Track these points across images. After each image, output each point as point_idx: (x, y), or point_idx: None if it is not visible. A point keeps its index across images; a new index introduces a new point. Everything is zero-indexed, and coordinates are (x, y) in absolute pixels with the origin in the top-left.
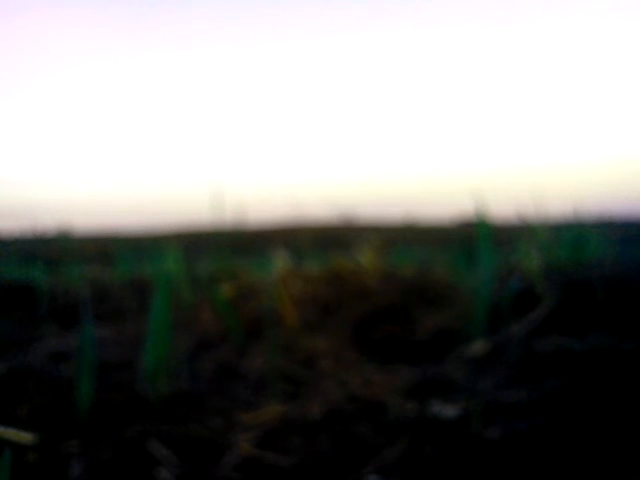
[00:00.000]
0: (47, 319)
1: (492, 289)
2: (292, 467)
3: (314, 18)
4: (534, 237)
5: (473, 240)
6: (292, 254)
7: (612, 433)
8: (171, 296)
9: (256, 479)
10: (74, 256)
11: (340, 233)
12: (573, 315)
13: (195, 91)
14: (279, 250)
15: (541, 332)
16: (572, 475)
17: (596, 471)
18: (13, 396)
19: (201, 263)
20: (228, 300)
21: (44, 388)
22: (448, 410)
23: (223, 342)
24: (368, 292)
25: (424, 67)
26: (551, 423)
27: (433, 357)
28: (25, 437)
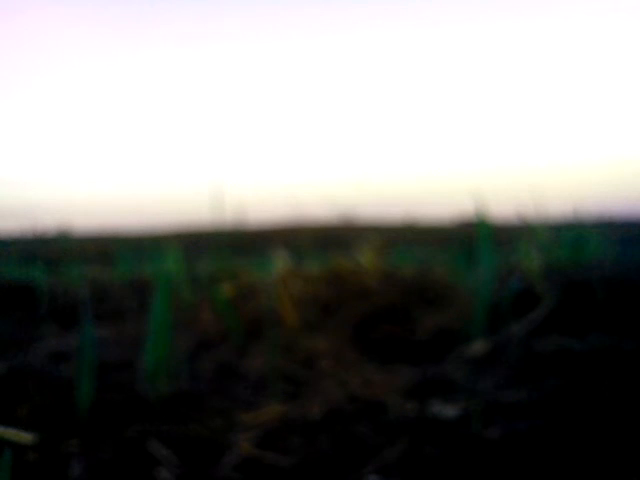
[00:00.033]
0: (47, 319)
1: (492, 289)
2: (292, 467)
3: (314, 18)
4: (534, 237)
5: (473, 240)
6: (292, 254)
7: (612, 433)
8: (171, 296)
9: (256, 479)
10: (74, 256)
11: (340, 233)
12: (573, 315)
13: (195, 91)
14: (279, 250)
15: (541, 332)
16: (572, 475)
17: (596, 471)
18: (13, 396)
19: (201, 263)
20: (228, 300)
21: (44, 388)
22: (448, 410)
23: (223, 342)
24: (368, 292)
25: (424, 67)
26: (551, 423)
27: (433, 357)
28: (25, 437)
